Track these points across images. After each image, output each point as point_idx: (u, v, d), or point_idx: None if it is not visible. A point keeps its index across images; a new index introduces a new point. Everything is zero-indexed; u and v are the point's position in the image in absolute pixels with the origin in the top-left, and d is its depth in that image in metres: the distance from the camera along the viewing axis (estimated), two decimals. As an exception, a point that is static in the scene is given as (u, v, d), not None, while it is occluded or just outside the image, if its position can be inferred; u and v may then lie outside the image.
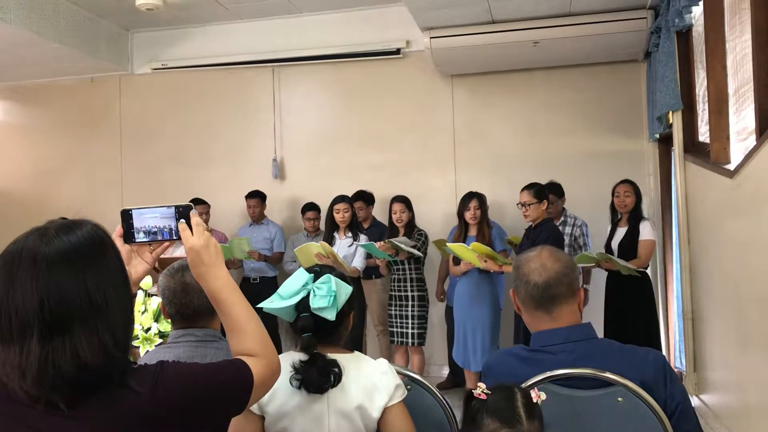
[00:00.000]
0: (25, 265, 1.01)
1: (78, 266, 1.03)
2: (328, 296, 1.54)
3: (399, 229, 4.74)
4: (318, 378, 1.50)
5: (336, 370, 1.52)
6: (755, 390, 3.02)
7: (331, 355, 1.56)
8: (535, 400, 1.40)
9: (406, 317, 4.61)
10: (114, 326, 1.05)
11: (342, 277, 1.64)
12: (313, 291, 1.56)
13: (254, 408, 1.54)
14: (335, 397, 1.53)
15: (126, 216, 1.31)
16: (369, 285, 4.97)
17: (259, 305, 1.59)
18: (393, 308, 4.67)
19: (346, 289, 1.60)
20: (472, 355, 4.26)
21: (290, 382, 1.52)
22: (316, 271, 1.62)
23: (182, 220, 1.29)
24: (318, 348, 1.55)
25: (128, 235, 1.31)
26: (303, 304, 1.55)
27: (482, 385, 1.42)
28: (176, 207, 1.31)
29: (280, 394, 1.53)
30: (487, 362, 1.82)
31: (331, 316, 1.54)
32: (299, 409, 1.53)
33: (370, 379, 1.56)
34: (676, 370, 4.74)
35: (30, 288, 1.00)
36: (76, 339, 1.01)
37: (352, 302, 1.64)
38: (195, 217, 1.30)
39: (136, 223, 1.31)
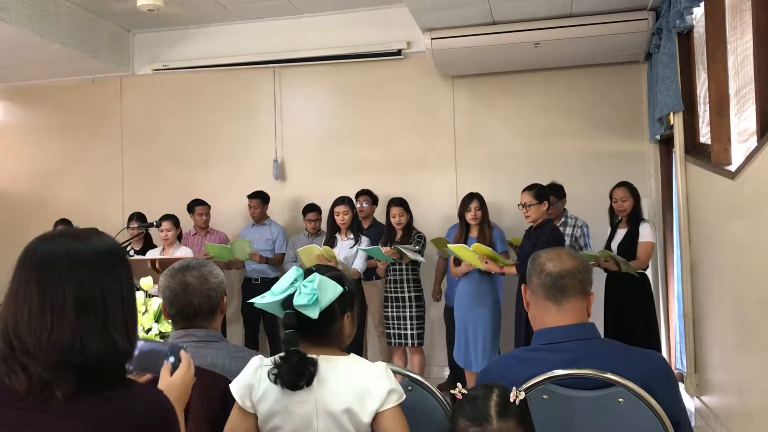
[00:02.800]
0: (61, 264, 1.10)
1: (112, 264, 1.15)
2: (310, 294, 1.54)
3: (397, 231, 4.74)
4: (289, 374, 1.50)
5: (311, 368, 1.51)
6: (756, 391, 3.02)
7: (323, 356, 1.55)
8: (511, 400, 1.39)
9: (404, 318, 4.61)
10: (128, 324, 1.15)
11: (339, 277, 1.62)
12: (299, 289, 1.56)
13: (248, 406, 1.55)
14: (323, 398, 1.52)
15: None
16: (369, 286, 4.96)
17: (251, 300, 1.62)
18: (390, 310, 4.68)
19: (335, 289, 1.58)
20: (473, 356, 4.26)
21: (268, 375, 1.53)
22: (309, 270, 1.61)
23: (171, 358, 1.38)
24: (306, 347, 1.55)
25: None
26: (288, 301, 1.56)
27: (459, 385, 1.44)
28: (170, 346, 1.40)
29: (271, 394, 1.54)
30: (486, 366, 1.82)
31: (313, 314, 1.53)
32: (288, 409, 1.53)
33: (361, 383, 1.53)
34: (676, 371, 4.74)
35: (68, 279, 1.09)
36: (107, 323, 1.11)
37: (345, 303, 1.62)
38: (186, 358, 1.40)
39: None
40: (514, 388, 1.42)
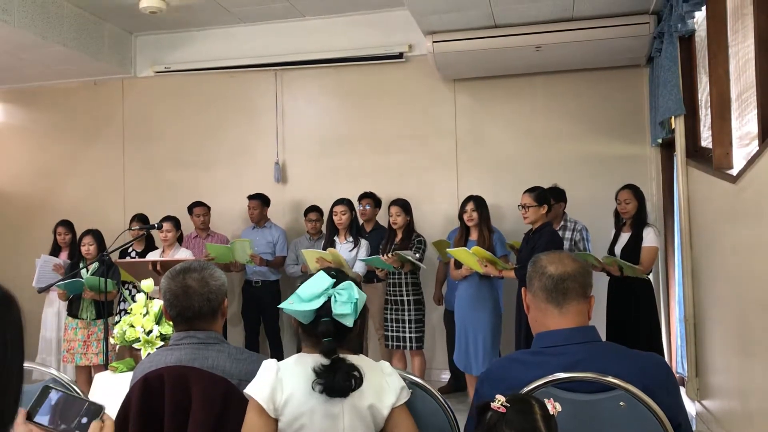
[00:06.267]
0: None
1: None
2: (349, 303, 1.58)
3: (397, 232, 4.73)
4: (343, 383, 1.54)
5: (356, 374, 1.56)
6: (757, 395, 3.01)
7: (342, 356, 1.60)
8: (551, 412, 1.40)
9: (403, 321, 4.61)
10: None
11: (356, 283, 1.67)
12: (335, 297, 1.59)
13: (270, 410, 1.55)
14: (351, 396, 1.56)
15: (44, 392, 1.20)
16: (369, 289, 4.95)
17: (280, 306, 1.65)
18: (389, 313, 4.67)
19: (362, 296, 1.64)
20: (474, 359, 4.26)
21: (312, 387, 1.54)
22: (333, 275, 1.64)
23: (84, 419, 1.17)
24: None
25: (32, 412, 1.17)
26: (324, 309, 1.58)
27: (501, 398, 1.41)
28: (89, 404, 1.21)
29: (296, 397, 1.55)
30: (487, 369, 1.81)
31: (350, 322, 1.59)
32: (316, 409, 1.55)
33: (378, 380, 1.61)
34: (677, 375, 4.73)
35: None
36: None
37: (364, 308, 1.69)
38: (97, 425, 1.16)
39: (48, 403, 1.19)
40: (551, 399, 1.42)
